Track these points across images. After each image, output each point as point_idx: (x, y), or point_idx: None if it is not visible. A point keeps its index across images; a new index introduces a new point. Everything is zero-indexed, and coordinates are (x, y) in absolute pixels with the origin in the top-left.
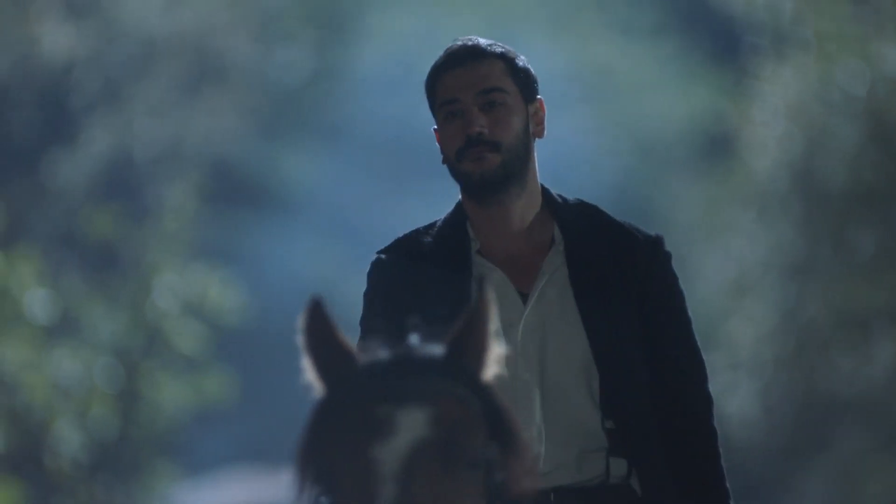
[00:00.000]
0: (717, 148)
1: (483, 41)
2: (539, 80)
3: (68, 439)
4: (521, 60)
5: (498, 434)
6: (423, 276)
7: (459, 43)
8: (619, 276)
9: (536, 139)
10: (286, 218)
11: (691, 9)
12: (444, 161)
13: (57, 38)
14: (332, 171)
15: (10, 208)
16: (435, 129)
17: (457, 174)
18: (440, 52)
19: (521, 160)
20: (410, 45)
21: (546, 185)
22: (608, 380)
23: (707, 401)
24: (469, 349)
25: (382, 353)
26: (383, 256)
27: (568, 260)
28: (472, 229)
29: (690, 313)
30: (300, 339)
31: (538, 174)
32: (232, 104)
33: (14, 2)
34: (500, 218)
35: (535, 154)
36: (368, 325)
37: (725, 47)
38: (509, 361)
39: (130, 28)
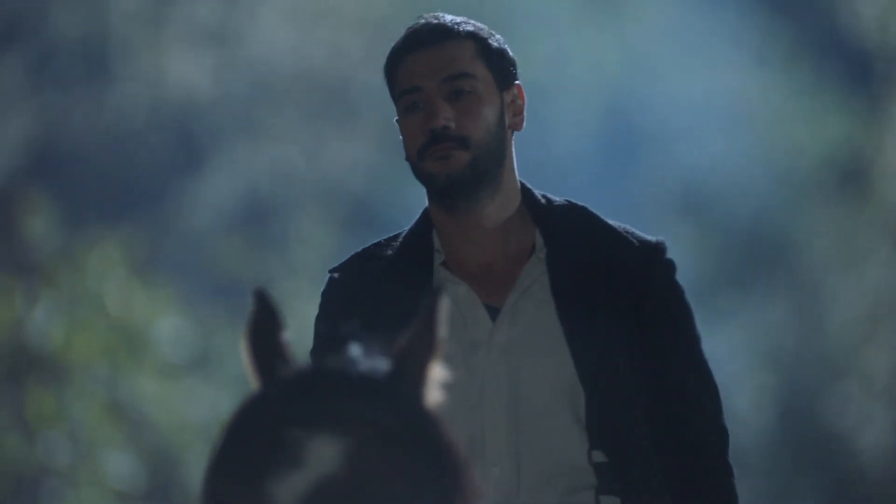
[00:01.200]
0: (851, 177)
1: (450, 18)
2: (674, 109)
3: (199, 474)
4: (496, 40)
5: (435, 476)
6: (378, 297)
7: (423, 21)
8: (611, 286)
9: (514, 132)
10: None
11: (824, 38)
12: (407, 159)
13: (186, 69)
14: None
15: (143, 239)
16: (397, 121)
17: (420, 175)
18: (570, 80)
19: (494, 157)
20: (541, 74)
21: (527, 184)
22: (597, 403)
23: (721, 434)
24: (411, 369)
25: (314, 364)
26: (336, 275)
27: (550, 269)
28: (439, 239)
29: (699, 331)
30: (243, 335)
31: (517, 171)
32: (361, 133)
33: (142, 34)
34: (471, 225)
35: (513, 149)
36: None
37: (859, 76)
38: (472, 388)
39: (260, 57)
